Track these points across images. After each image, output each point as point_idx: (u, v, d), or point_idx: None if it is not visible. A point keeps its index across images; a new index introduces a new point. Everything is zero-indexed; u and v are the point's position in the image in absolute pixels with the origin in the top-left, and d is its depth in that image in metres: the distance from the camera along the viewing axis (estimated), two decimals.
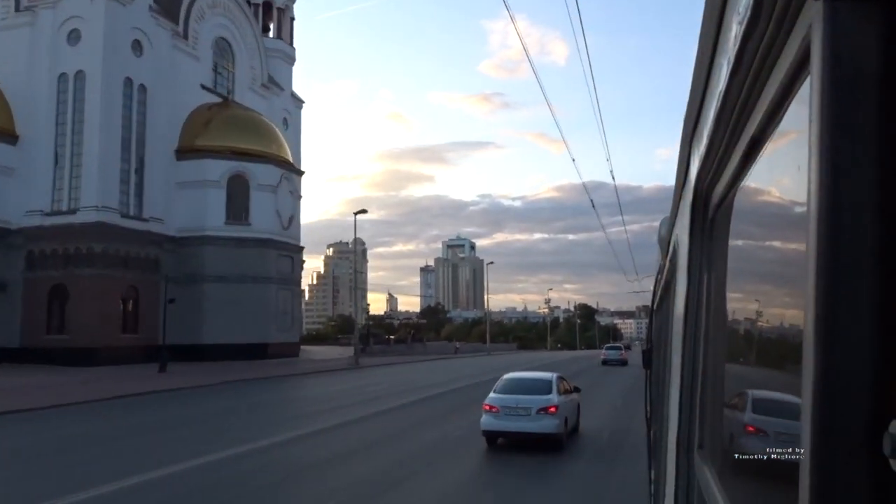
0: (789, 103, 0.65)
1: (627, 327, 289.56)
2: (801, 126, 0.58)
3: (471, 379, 32.02)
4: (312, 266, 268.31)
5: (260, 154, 48.79)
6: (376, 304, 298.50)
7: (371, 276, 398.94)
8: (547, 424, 12.20)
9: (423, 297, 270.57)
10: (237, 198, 48.00)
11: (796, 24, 0.56)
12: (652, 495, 3.86)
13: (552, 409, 12.30)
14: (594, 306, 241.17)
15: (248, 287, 46.49)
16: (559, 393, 12.93)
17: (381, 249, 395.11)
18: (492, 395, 13.00)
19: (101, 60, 40.76)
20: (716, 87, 0.94)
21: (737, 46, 0.72)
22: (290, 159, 52.69)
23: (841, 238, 0.45)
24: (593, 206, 22.43)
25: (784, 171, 0.75)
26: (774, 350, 0.86)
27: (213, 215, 46.61)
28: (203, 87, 50.18)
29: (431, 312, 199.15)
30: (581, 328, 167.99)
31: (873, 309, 0.44)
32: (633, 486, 8.72)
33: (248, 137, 48.71)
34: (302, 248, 54.75)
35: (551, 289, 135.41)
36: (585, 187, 21.01)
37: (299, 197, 53.82)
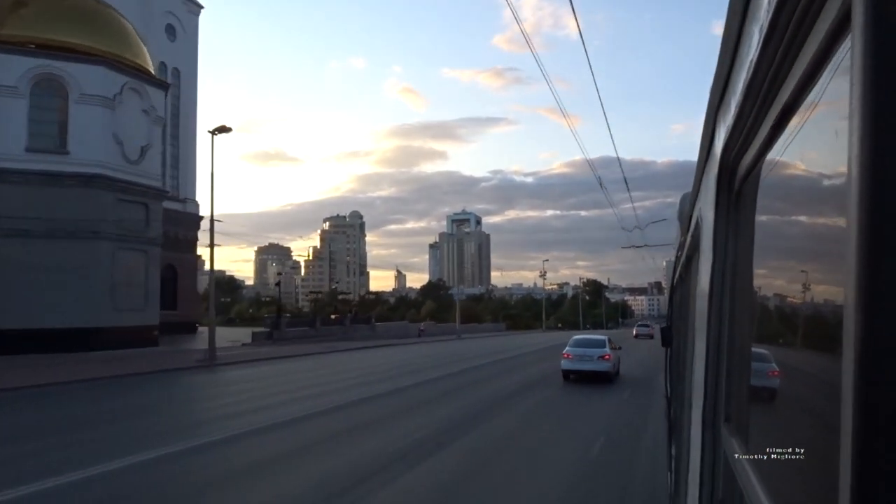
0: (825, 70, 0.63)
1: (639, 304, 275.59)
2: (838, 93, 0.56)
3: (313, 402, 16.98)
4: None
5: (87, 51, 33.34)
6: (385, 282, 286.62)
7: (383, 252, 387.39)
8: (604, 366, 21.17)
9: (431, 273, 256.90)
10: (49, 114, 32.69)
11: None
12: (672, 470, 4.10)
13: (607, 357, 21.36)
14: (605, 282, 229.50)
15: (64, 245, 31.41)
16: (611, 349, 22.10)
17: (392, 227, 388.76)
18: (568, 348, 22.08)
19: None
20: (746, 55, 0.92)
21: (770, 13, 0.70)
22: (149, 66, 37.20)
23: (885, 208, 0.43)
24: (601, 185, 22.24)
25: (817, 141, 0.74)
26: (803, 325, 0.85)
27: (9, 138, 31.35)
28: None
29: (432, 289, 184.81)
30: (588, 305, 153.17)
31: None
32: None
33: (70, 28, 33.28)
34: (165, 192, 39.15)
35: (547, 260, 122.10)
36: (590, 164, 19.56)
37: (160, 120, 37.95)
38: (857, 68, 0.45)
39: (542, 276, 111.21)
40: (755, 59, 0.82)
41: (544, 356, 32.81)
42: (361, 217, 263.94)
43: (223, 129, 29.52)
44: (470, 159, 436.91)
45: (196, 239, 53.78)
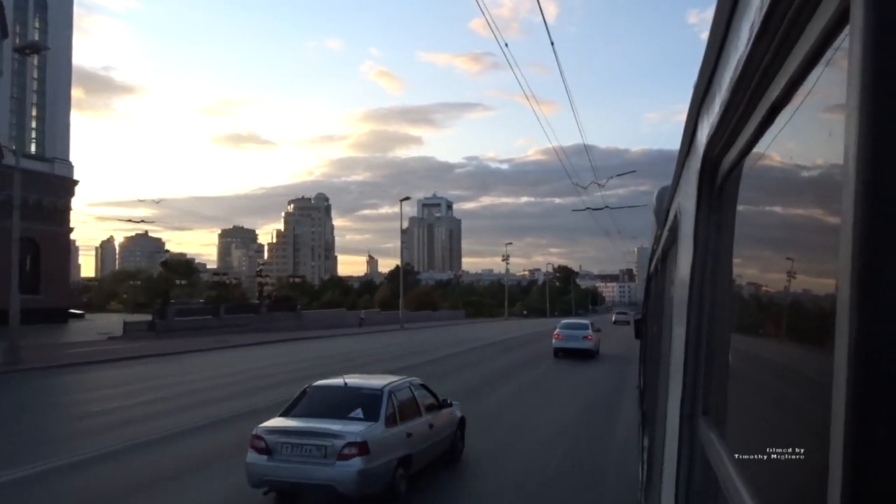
0: (816, 69, 0.63)
1: (610, 290, 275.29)
2: (830, 92, 0.56)
3: None
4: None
5: None
6: (358, 267, 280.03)
7: (357, 237, 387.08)
8: (587, 344, 26.84)
9: (402, 258, 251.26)
10: None
11: None
12: (645, 462, 4.11)
13: (590, 337, 27.22)
14: (577, 269, 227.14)
15: None
16: (593, 331, 28.09)
17: (367, 212, 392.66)
18: (558, 329, 27.76)
19: None
20: (733, 52, 0.92)
21: (764, 11, 0.70)
22: None
23: (885, 208, 0.43)
24: (568, 175, 23.46)
25: (805, 139, 0.75)
26: (784, 321, 0.86)
27: None
28: None
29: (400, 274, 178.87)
30: (558, 292, 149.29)
31: None
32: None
33: None
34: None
35: (510, 243, 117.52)
36: (557, 152, 20.95)
37: None
38: (855, 68, 0.45)
39: (505, 259, 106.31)
40: (745, 56, 0.82)
41: (486, 356, 27.20)
42: (327, 200, 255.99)
43: (35, 48, 23.93)
44: (445, 145, 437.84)
45: (68, 208, 46.10)
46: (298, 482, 7.48)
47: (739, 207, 1.17)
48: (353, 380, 8.84)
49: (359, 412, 7.95)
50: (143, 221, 53.36)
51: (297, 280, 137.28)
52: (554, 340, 27.61)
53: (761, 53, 0.78)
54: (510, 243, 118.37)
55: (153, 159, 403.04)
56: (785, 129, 0.79)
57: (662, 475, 1.81)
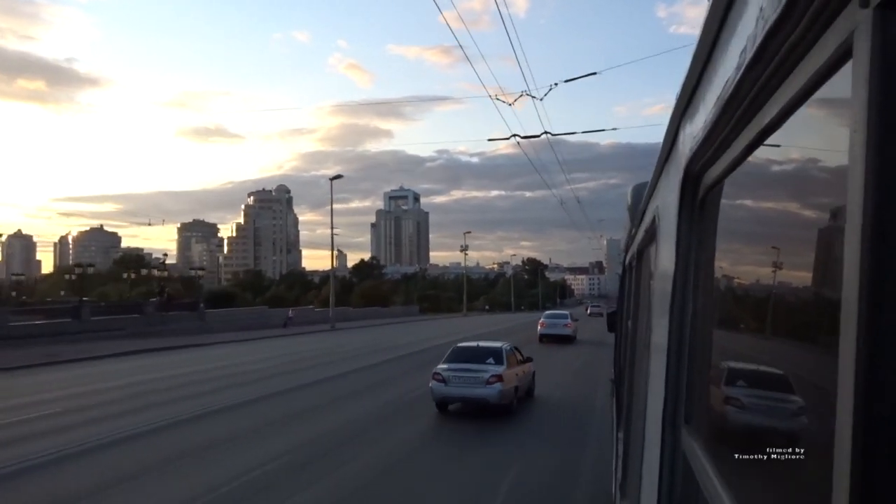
0: (811, 103, 0.65)
1: (579, 283, 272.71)
2: (824, 125, 0.60)
3: None
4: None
5: None
6: (326, 262, 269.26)
7: (328, 232, 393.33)
8: (567, 331, 32.49)
9: (373, 252, 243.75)
10: None
11: (833, 27, 0.55)
12: (620, 457, 4.08)
13: (569, 325, 33.17)
14: (546, 262, 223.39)
15: None
16: (572, 320, 34.44)
17: (337, 206, 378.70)
18: (542, 319, 33.89)
19: None
20: (720, 72, 0.96)
21: (759, 38, 0.71)
22: None
23: (886, 246, 0.44)
24: (537, 170, 23.62)
25: (792, 166, 0.78)
26: (765, 333, 0.89)
27: None
28: None
29: (365, 268, 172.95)
30: (527, 285, 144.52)
31: None
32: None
33: None
34: None
35: (469, 231, 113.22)
36: (521, 145, 20.09)
37: None
38: (858, 103, 0.47)
39: (464, 251, 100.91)
40: (735, 80, 0.83)
41: (373, 384, 18.13)
42: (289, 192, 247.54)
43: None
44: (416, 138, 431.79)
45: None
46: (464, 397, 13.63)
47: (721, 222, 1.19)
48: (482, 343, 15.67)
49: (491, 360, 14.02)
50: (99, 224, 46.29)
51: (240, 276, 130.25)
52: (539, 328, 33.12)
53: (752, 80, 0.79)
54: (468, 232, 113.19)
55: (119, 153, 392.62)
56: (772, 152, 0.81)
57: (642, 481, 1.83)
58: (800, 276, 0.74)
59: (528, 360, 15.91)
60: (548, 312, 37.90)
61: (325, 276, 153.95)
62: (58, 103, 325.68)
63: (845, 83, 0.51)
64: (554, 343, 31.26)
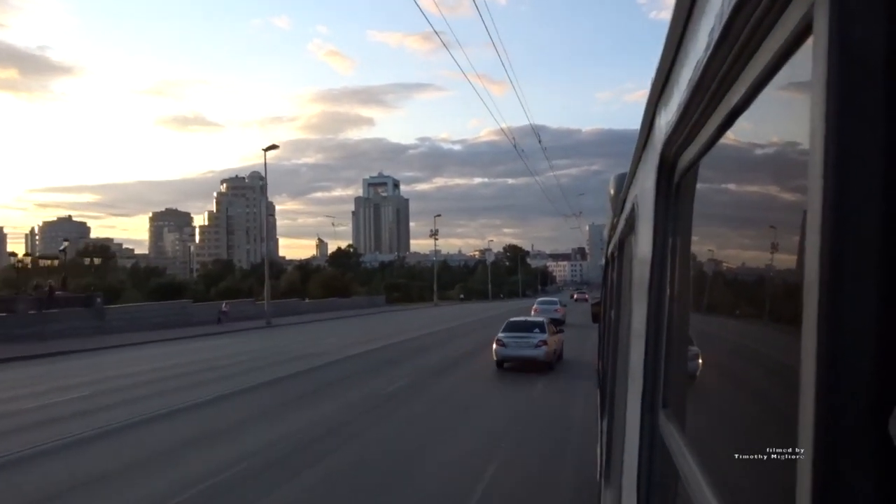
0: (776, 78, 0.65)
1: (561, 270, 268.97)
2: (790, 102, 0.60)
3: None
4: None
5: None
6: (308, 251, 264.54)
7: (310, 221, 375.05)
8: (556, 315, 34.88)
9: (353, 240, 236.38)
10: None
11: (794, 2, 0.55)
12: (604, 446, 4.13)
13: (559, 310, 37.57)
14: (528, 249, 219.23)
15: None
16: (560, 306, 40.66)
17: (319, 194, 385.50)
18: (536, 305, 39.24)
19: None
20: (692, 54, 0.95)
21: (724, 19, 0.72)
22: None
23: (847, 224, 0.44)
24: (520, 156, 26.61)
25: (762, 145, 0.79)
26: (742, 316, 0.91)
27: None
28: None
29: (341, 256, 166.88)
30: (507, 272, 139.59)
31: (881, 287, 0.43)
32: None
33: None
34: None
35: (439, 214, 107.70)
36: (506, 132, 18.92)
37: None
38: (818, 81, 0.46)
39: (433, 236, 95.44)
40: (704, 60, 0.83)
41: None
42: (263, 178, 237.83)
43: None
44: (397, 126, 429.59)
45: None
46: (519, 357, 18.64)
47: (696, 206, 1.20)
48: (529, 318, 22.52)
49: (537, 330, 19.21)
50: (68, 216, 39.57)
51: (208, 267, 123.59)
52: (532, 313, 33.22)
53: (721, 59, 0.79)
54: (439, 215, 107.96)
55: (96, 143, 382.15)
56: (742, 133, 0.82)
57: (623, 466, 1.85)
58: (772, 257, 0.74)
59: (561, 331, 21.74)
60: (540, 299, 43.76)
61: (299, 266, 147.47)
62: (30, 92, 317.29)
63: (807, 60, 0.50)
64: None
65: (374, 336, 31.31)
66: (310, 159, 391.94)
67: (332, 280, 76.92)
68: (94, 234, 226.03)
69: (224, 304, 45.33)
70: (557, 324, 29.78)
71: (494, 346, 19.06)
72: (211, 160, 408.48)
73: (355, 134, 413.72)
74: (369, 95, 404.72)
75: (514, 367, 18.53)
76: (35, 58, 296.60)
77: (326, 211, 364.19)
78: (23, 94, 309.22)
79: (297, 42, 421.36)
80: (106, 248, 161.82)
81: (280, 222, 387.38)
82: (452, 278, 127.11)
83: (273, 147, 48.05)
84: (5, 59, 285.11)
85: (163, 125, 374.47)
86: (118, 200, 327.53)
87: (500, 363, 18.91)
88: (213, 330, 36.68)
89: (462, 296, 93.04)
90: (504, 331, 19.30)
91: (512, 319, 20.38)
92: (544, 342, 18.54)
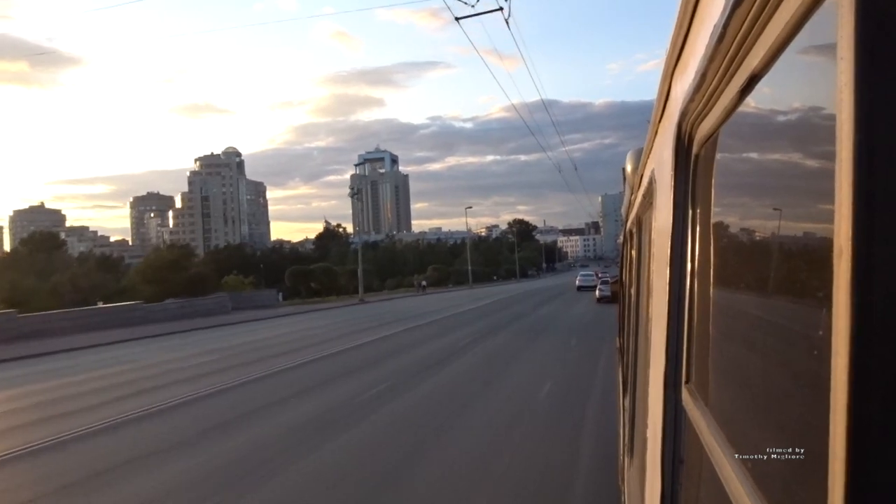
0: (798, 41, 0.63)
1: (573, 245, 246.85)
2: (812, 64, 0.57)
3: None
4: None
5: None
6: (308, 234, 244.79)
7: (323, 205, 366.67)
8: (593, 282, 50.24)
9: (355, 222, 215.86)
10: None
11: None
12: (625, 425, 4.03)
13: (595, 280, 51.75)
14: (540, 225, 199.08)
15: None
16: (596, 277, 55.35)
17: (331, 178, 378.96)
18: (578, 276, 61.06)
19: None
20: (708, 19, 0.92)
21: None
22: None
23: (879, 190, 0.42)
24: (531, 132, 26.46)
25: (784, 110, 0.76)
26: (764, 290, 0.89)
27: None
28: None
29: (329, 237, 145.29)
30: (509, 249, 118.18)
31: None
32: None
33: None
34: None
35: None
36: (517, 109, 25.55)
37: None
38: (844, 38, 0.44)
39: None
40: (721, 24, 0.81)
41: None
42: (240, 155, 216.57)
43: None
44: (408, 105, 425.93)
45: None
46: (588, 287, 48.59)
47: (717, 176, 1.16)
48: (590, 271, 68.97)
49: (594, 277, 52.05)
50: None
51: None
52: (577, 282, 53.40)
53: (739, 21, 0.76)
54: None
55: (108, 134, 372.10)
56: (763, 99, 0.79)
57: (647, 442, 1.84)
58: (798, 227, 0.72)
59: (605, 281, 37.18)
60: (582, 272, 62.83)
61: (290, 250, 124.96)
62: (41, 84, 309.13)
63: (831, 18, 0.48)
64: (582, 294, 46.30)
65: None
66: (321, 143, 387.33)
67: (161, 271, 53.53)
68: (95, 226, 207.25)
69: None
70: (593, 288, 42.29)
71: (578, 279, 55.66)
72: (223, 147, 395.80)
73: (366, 115, 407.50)
74: (379, 76, 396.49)
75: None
76: (45, 50, 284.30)
77: (340, 194, 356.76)
78: (34, 87, 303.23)
79: (303, 24, 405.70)
80: (55, 237, 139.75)
81: (294, 207, 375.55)
82: (437, 258, 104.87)
83: None
84: (16, 52, 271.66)
85: (174, 113, 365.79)
86: (132, 190, 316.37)
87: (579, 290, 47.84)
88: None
89: (424, 283, 68.90)
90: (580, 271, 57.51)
91: (582, 273, 57.65)
92: (606, 282, 35.91)
